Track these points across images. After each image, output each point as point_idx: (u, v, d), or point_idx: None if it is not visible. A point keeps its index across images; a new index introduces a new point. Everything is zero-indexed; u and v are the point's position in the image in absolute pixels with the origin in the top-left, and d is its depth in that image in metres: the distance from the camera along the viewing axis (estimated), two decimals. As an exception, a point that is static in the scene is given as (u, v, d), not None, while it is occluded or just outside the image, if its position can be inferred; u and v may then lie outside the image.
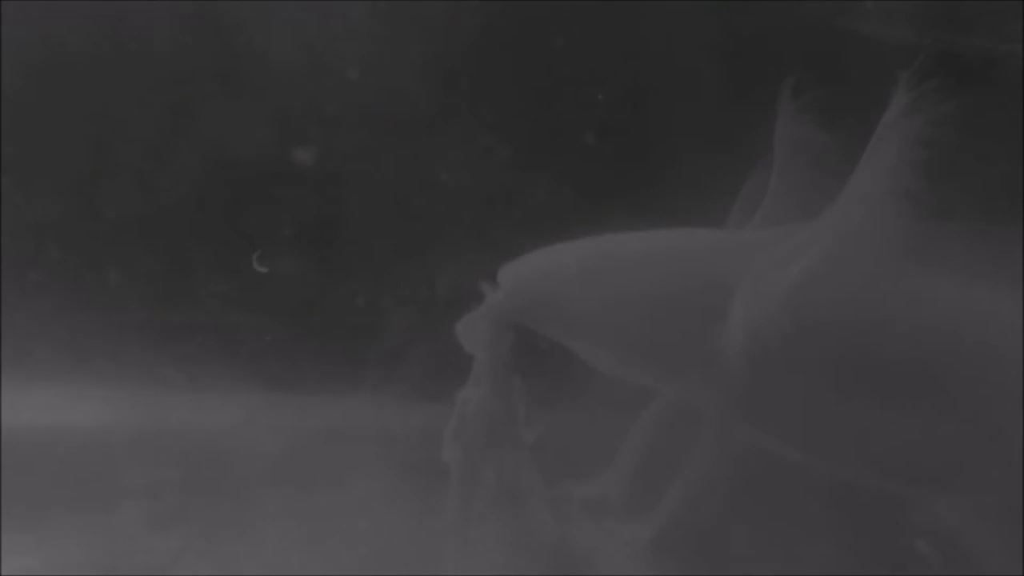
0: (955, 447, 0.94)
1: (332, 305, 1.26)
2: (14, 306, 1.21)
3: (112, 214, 1.25)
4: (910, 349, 0.93)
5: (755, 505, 1.00)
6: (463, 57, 1.23)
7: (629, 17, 1.22)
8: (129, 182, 1.26)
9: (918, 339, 0.94)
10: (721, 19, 1.22)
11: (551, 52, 1.23)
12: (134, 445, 1.16)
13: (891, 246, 0.86)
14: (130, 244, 1.26)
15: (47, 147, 1.25)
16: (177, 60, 1.23)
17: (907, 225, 0.85)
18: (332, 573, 0.99)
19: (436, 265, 1.21)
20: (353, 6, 1.23)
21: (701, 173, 1.17)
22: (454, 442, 0.99)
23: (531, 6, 1.24)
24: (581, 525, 1.03)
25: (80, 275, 1.25)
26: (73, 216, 1.26)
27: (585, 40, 1.23)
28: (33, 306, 1.23)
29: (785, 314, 0.88)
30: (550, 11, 1.23)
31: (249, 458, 1.13)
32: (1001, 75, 1.16)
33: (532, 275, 0.98)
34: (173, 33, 1.22)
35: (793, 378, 0.92)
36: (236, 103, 1.23)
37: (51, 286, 1.24)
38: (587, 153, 1.21)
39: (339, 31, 1.21)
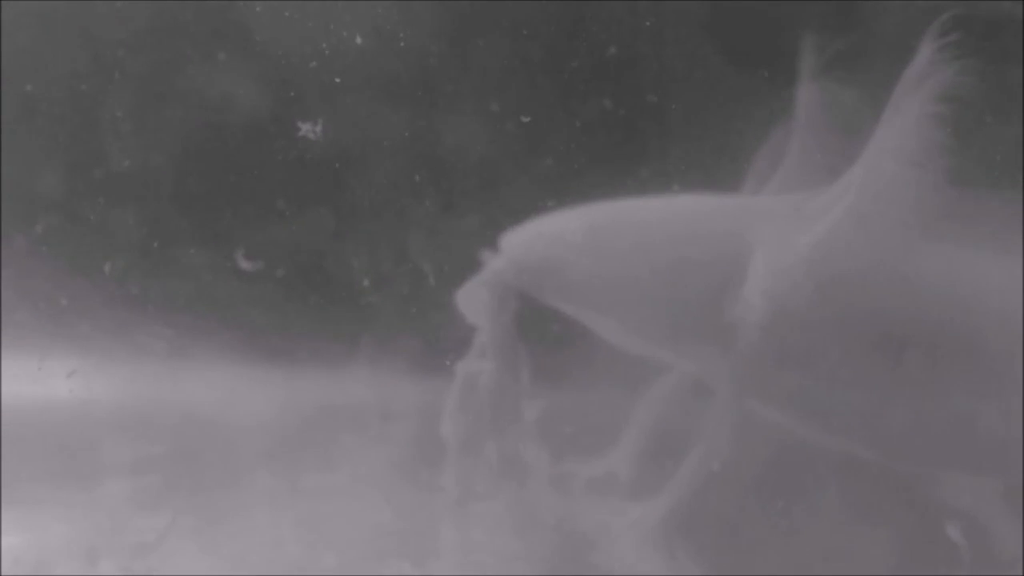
0: (973, 426, 0.91)
1: (328, 275, 1.23)
2: (-2, 276, 1.19)
3: (101, 178, 1.22)
4: (936, 320, 0.90)
5: (769, 486, 0.97)
6: (472, 20, 1.20)
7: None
8: (119, 150, 1.23)
9: (944, 309, 0.90)
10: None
11: (563, 13, 1.20)
12: (120, 419, 1.14)
13: (916, 205, 0.83)
14: (120, 214, 1.23)
15: (34, 111, 1.22)
16: (173, 17, 1.20)
17: (932, 183, 0.82)
18: (325, 554, 0.97)
19: (438, 234, 1.19)
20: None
21: (718, 136, 1.14)
22: (455, 416, 0.96)
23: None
24: (585, 505, 1.01)
25: (67, 244, 1.22)
26: (62, 184, 1.24)
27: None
28: (17, 275, 1.20)
29: (808, 277, 0.85)
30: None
31: (239, 433, 1.11)
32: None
33: (536, 241, 0.95)
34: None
35: (812, 348, 0.89)
36: (235, 67, 1.20)
37: (36, 255, 1.21)
38: (600, 116, 1.18)
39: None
